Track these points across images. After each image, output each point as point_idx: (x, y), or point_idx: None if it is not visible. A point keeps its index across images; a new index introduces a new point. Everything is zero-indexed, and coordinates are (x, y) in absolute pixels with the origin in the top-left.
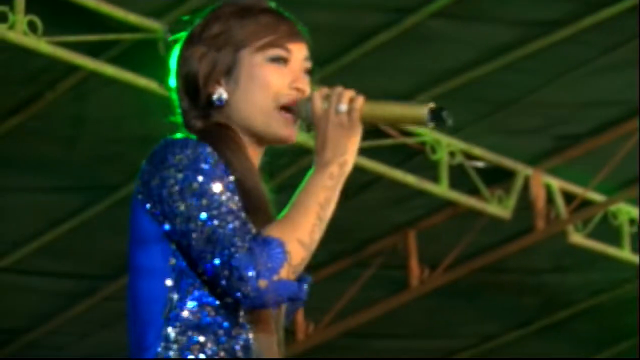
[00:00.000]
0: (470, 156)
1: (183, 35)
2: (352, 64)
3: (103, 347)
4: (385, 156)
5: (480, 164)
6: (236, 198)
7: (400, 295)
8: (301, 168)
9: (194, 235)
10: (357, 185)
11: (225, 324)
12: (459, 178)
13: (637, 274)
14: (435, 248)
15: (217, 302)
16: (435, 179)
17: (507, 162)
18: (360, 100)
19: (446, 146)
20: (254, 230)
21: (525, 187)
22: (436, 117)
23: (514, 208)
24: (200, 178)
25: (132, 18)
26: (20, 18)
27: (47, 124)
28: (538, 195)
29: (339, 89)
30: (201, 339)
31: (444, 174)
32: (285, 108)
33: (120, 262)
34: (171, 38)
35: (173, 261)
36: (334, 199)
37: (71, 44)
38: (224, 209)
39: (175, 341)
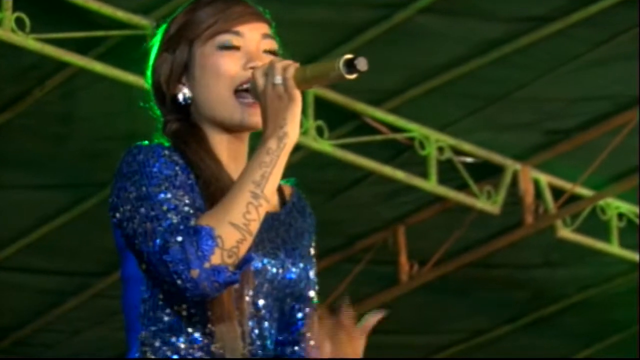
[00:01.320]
0: (459, 152)
1: (155, 42)
2: None
3: (94, 344)
4: (374, 152)
5: (469, 160)
6: (186, 195)
7: (390, 290)
8: (290, 164)
9: (137, 237)
10: (346, 181)
11: (197, 322)
12: (448, 173)
13: (637, 270)
14: (424, 243)
15: (184, 303)
16: (424, 174)
17: (496, 158)
18: (291, 68)
19: (435, 142)
20: (192, 223)
21: (514, 182)
22: (350, 66)
23: (502, 203)
24: (146, 181)
25: (120, 14)
26: (8, 15)
27: (36, 121)
28: (527, 190)
29: (272, 61)
30: (174, 339)
31: (433, 169)
32: (245, 91)
33: (110, 259)
34: (149, 45)
35: (143, 267)
36: (274, 174)
37: (59, 41)
38: (163, 208)
39: (150, 344)
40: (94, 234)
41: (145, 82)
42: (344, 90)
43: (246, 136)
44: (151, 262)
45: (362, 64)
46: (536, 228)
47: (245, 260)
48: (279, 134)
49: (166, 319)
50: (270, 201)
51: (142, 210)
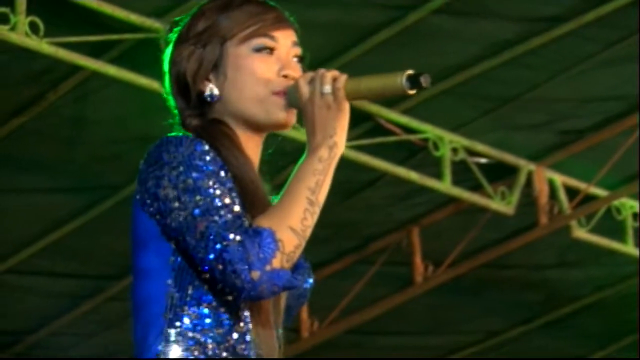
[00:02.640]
0: (472, 152)
1: (174, 36)
2: (355, 61)
3: (108, 347)
4: (388, 153)
5: (482, 160)
6: (232, 192)
7: (405, 292)
8: None
9: (188, 231)
10: (360, 182)
11: (226, 322)
12: (462, 174)
13: (637, 270)
14: (439, 244)
15: (217, 301)
16: (438, 175)
17: (510, 158)
18: (342, 79)
19: (449, 142)
20: (247, 223)
21: (528, 182)
22: (413, 82)
23: (517, 204)
24: (194, 174)
25: (134, 18)
26: (22, 19)
27: (49, 125)
28: (541, 190)
29: (321, 71)
30: (201, 338)
31: (447, 170)
32: (277, 96)
33: (123, 262)
34: (165, 40)
35: (172, 260)
36: (326, 182)
37: (73, 45)
38: (216, 204)
39: (176, 341)
40: (108, 237)
41: (162, 69)
42: None
43: (264, 137)
44: (203, 258)
45: (426, 80)
46: (551, 229)
47: (300, 266)
48: (329, 143)
49: (194, 316)
50: (320, 208)
51: (192, 203)
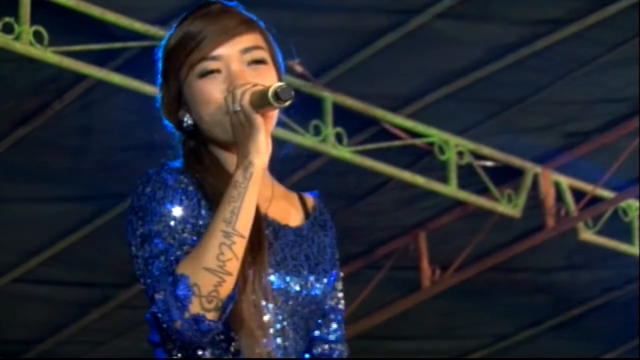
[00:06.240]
0: (478, 156)
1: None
2: (359, 66)
3: (117, 355)
4: (394, 158)
5: (488, 164)
6: (184, 232)
7: (413, 296)
8: (310, 171)
9: (139, 277)
10: (366, 187)
11: (222, 342)
12: (468, 178)
13: (637, 273)
14: (446, 248)
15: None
16: (444, 179)
17: (516, 161)
18: (247, 95)
19: (454, 146)
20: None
21: (535, 185)
22: (277, 96)
23: (523, 207)
24: (149, 217)
25: (138, 26)
26: (26, 29)
27: (55, 134)
28: (547, 193)
29: (232, 89)
30: (200, 352)
31: (453, 174)
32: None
33: (131, 270)
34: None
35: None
36: (246, 207)
37: (77, 54)
38: (159, 249)
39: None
40: (115, 245)
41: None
42: (362, 97)
43: None
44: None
45: (285, 93)
46: (558, 231)
47: (230, 298)
48: (244, 164)
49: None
50: (246, 236)
51: (142, 251)
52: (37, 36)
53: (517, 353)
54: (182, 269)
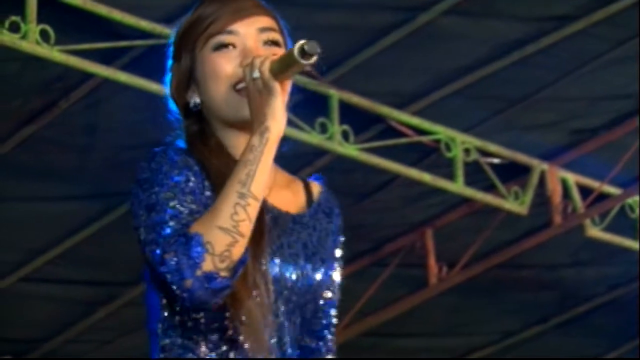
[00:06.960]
0: (485, 153)
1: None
2: (365, 63)
3: (123, 354)
4: (400, 155)
5: (495, 161)
6: (193, 201)
7: (420, 293)
8: (317, 169)
9: (145, 244)
10: (372, 185)
11: (215, 330)
12: (475, 175)
13: (637, 272)
14: (452, 245)
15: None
16: (450, 176)
17: (523, 158)
18: (267, 62)
19: (461, 143)
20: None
21: (541, 182)
22: (303, 52)
23: (530, 204)
24: (157, 188)
25: (144, 24)
26: (33, 27)
27: (61, 133)
28: (554, 190)
29: (251, 57)
30: (193, 346)
31: (460, 171)
32: (239, 93)
33: (139, 268)
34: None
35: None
36: (260, 171)
37: (84, 52)
38: (168, 215)
39: (170, 350)
40: (122, 243)
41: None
42: (368, 94)
43: None
44: (154, 272)
45: (311, 47)
46: (565, 228)
47: (242, 262)
48: (260, 130)
49: (184, 325)
50: (260, 199)
51: (149, 219)
52: (44, 35)
53: (524, 350)
54: (195, 228)
